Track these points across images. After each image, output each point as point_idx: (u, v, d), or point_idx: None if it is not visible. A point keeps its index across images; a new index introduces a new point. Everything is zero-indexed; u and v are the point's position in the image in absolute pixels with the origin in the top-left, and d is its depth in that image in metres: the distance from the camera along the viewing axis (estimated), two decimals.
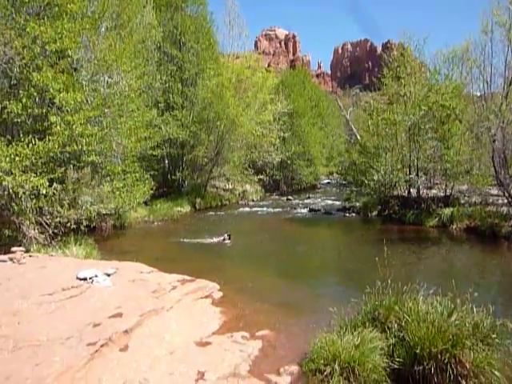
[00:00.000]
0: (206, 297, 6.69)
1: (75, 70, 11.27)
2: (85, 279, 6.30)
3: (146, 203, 17.31)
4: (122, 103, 12.61)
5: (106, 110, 11.61)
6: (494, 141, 14.01)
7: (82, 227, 10.31)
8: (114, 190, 11.86)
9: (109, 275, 6.70)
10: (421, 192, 17.09)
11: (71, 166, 10.52)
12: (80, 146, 10.15)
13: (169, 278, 7.08)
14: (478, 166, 16.24)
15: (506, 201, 14.13)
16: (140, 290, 6.19)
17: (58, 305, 5.30)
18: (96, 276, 6.40)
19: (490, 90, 15.36)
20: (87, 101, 10.83)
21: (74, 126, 9.91)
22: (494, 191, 15.63)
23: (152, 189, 14.69)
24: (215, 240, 12.71)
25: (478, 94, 16.73)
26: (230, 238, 12.70)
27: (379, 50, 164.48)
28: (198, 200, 21.92)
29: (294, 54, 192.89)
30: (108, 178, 12.21)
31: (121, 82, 12.29)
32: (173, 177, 22.60)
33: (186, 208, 20.63)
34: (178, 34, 22.56)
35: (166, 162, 23.19)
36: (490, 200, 15.40)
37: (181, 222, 17.58)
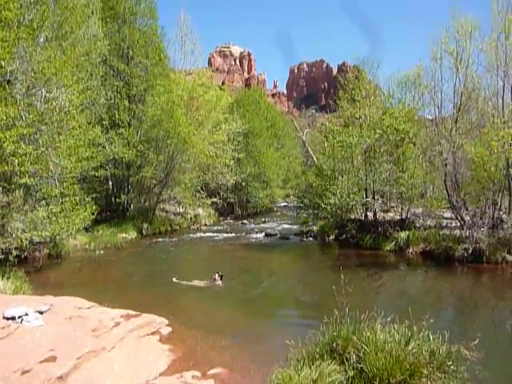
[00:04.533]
0: (153, 333, 6.48)
1: (8, 82, 10.83)
2: (13, 318, 5.87)
3: (86, 229, 16.66)
4: (62, 120, 12.23)
5: (42, 127, 11.21)
6: (445, 165, 15.06)
7: (11, 258, 9.74)
8: (50, 216, 11.36)
9: (41, 313, 6.30)
10: (377, 215, 17.80)
11: (0, 188, 9.97)
12: (11, 167, 9.69)
13: (111, 314, 6.79)
14: (432, 189, 17.35)
15: (458, 224, 15.07)
16: (78, 329, 5.87)
17: None
18: (26, 314, 5.99)
19: (440, 115, 16.63)
20: (21, 116, 10.41)
21: (4, 144, 9.48)
22: (447, 214, 16.67)
23: (94, 213, 14.17)
24: (204, 282, 11.09)
25: (430, 118, 18.04)
26: (221, 279, 11.09)
27: (335, 71, 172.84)
28: (145, 225, 21.37)
29: (249, 73, 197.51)
30: (43, 202, 11.69)
31: (60, 96, 11.93)
32: (117, 200, 21.92)
33: (132, 234, 20.03)
34: (125, 48, 22.38)
35: (110, 183, 22.52)
36: (444, 223, 16.37)
37: (126, 249, 17.01)
